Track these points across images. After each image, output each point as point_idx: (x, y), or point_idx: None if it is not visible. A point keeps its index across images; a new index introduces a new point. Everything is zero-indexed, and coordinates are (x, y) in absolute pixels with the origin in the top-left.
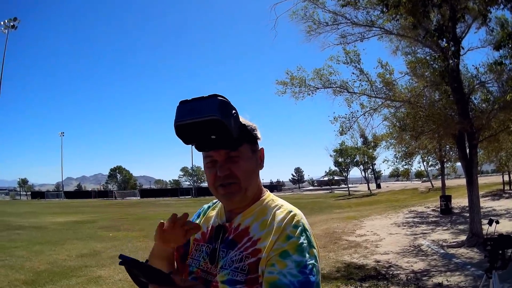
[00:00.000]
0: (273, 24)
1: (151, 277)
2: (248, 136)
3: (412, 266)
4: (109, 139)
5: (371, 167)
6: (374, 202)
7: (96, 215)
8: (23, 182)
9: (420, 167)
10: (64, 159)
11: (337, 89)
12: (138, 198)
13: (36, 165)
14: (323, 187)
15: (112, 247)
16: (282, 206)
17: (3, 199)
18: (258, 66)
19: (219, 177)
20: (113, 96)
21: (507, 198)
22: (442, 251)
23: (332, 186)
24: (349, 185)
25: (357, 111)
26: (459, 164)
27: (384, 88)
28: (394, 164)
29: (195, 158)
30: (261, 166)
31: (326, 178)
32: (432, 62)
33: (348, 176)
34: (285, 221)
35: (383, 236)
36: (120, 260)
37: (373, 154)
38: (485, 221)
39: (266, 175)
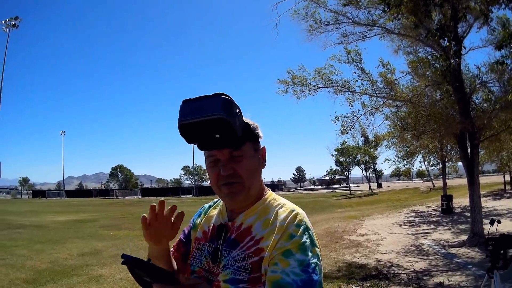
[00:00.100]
0: (274, 23)
1: (155, 276)
2: (251, 135)
3: (413, 265)
4: (110, 138)
5: (372, 166)
6: (375, 201)
7: (97, 214)
8: (24, 181)
9: (421, 167)
10: (65, 158)
11: (339, 88)
12: (139, 197)
13: (37, 164)
14: (324, 187)
15: (113, 246)
16: (284, 205)
17: (4, 198)
18: (259, 65)
19: (222, 176)
20: (114, 95)
21: (508, 198)
22: (443, 250)
23: (333, 186)
24: (350, 185)
25: (359, 110)
26: (460, 163)
27: (385, 87)
28: (395, 163)
29: (197, 157)
30: (263, 165)
31: (327, 178)
32: (433, 62)
33: (349, 176)
34: (287, 220)
35: (384, 236)
36: (123, 259)
37: (374, 154)
38: (486, 221)
39: (267, 174)
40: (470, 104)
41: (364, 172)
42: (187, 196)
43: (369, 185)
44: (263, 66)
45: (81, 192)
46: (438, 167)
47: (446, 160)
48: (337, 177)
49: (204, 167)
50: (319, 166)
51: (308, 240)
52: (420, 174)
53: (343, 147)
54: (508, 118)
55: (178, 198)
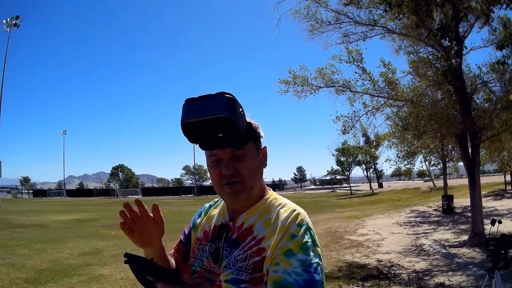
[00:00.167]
0: (275, 23)
1: (158, 275)
2: (253, 134)
3: (414, 265)
4: (111, 137)
5: (373, 166)
6: (376, 201)
7: (98, 213)
8: (25, 181)
9: (422, 167)
10: (66, 157)
11: (340, 88)
12: (140, 196)
13: (38, 163)
14: (325, 186)
15: (114, 245)
16: (285, 204)
17: (5, 197)
18: (259, 65)
19: (225, 176)
20: (115, 95)
21: (509, 198)
22: (444, 250)
23: (334, 185)
24: (351, 184)
25: (360, 110)
26: (461, 163)
27: (386, 87)
28: (396, 163)
29: (197, 157)
30: (265, 165)
31: (328, 177)
32: (434, 62)
33: (350, 175)
34: (289, 219)
35: (385, 236)
36: (126, 258)
37: (375, 153)
38: (487, 221)
39: (268, 174)
40: (471, 104)
41: (365, 172)
42: (188, 195)
43: (370, 185)
44: (263, 66)
45: (82, 192)
46: (439, 167)
47: (447, 160)
48: (338, 177)
49: (205, 167)
50: (320, 166)
51: (309, 240)
52: (421, 174)
53: (344, 147)
54: (509, 118)
55: (179, 198)
